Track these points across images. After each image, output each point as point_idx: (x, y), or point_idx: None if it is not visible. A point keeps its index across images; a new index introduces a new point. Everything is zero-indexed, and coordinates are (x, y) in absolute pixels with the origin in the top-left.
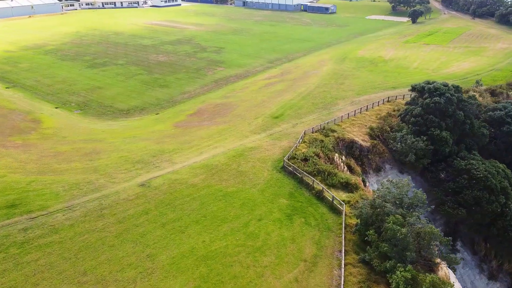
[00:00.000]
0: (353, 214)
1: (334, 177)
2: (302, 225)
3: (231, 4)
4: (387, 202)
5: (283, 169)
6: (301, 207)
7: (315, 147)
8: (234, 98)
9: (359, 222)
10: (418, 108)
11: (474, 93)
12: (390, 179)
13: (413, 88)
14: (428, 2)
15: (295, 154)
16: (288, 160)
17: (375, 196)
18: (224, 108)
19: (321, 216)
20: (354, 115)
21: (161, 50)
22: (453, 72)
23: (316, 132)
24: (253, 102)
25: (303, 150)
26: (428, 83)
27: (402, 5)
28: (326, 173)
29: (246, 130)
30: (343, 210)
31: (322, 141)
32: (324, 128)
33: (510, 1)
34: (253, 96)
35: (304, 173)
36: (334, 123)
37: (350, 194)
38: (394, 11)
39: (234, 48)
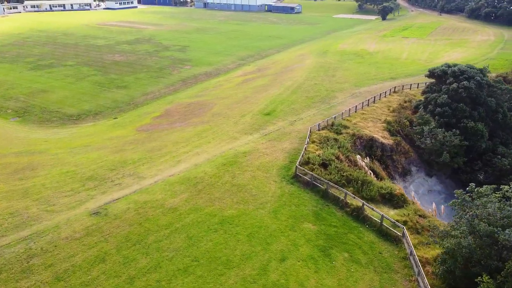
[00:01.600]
0: (426, 243)
1: (372, 187)
2: (348, 264)
3: (191, 6)
4: (494, 226)
5: (296, 178)
6: (338, 235)
7: (331, 148)
8: (208, 97)
9: (447, 258)
10: (443, 96)
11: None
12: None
13: (432, 73)
14: (394, 1)
15: (308, 158)
16: (301, 165)
17: (468, 215)
18: (199, 107)
19: (371, 248)
20: (362, 108)
21: (117, 49)
22: (453, 60)
23: (323, 129)
24: (233, 99)
25: (317, 152)
26: (449, 66)
27: (368, 3)
28: (359, 181)
29: (233, 130)
30: (403, 237)
31: (336, 139)
32: (333, 124)
33: None
34: (232, 93)
35: (329, 182)
36: (342, 118)
37: (401, 211)
38: (361, 9)
39: (200, 46)
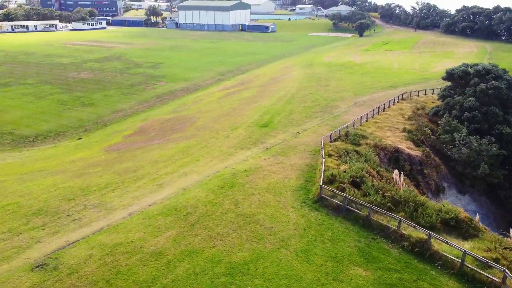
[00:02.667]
0: None
1: (429, 211)
2: None
3: (162, 26)
4: None
5: (321, 202)
6: (404, 283)
7: (357, 161)
8: (189, 111)
9: None
10: (470, 99)
11: None
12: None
13: (450, 75)
14: (370, 18)
15: (332, 175)
16: (325, 185)
17: None
18: (179, 122)
19: None
20: (373, 116)
21: (83, 67)
22: (443, 70)
23: (336, 140)
24: (218, 112)
25: (341, 167)
26: (467, 65)
27: (343, 21)
28: (411, 203)
29: (226, 145)
30: (504, 283)
31: (358, 152)
32: (347, 134)
33: (453, 12)
34: (216, 106)
35: (372, 207)
36: (354, 128)
37: (477, 243)
38: (336, 28)
39: (174, 63)
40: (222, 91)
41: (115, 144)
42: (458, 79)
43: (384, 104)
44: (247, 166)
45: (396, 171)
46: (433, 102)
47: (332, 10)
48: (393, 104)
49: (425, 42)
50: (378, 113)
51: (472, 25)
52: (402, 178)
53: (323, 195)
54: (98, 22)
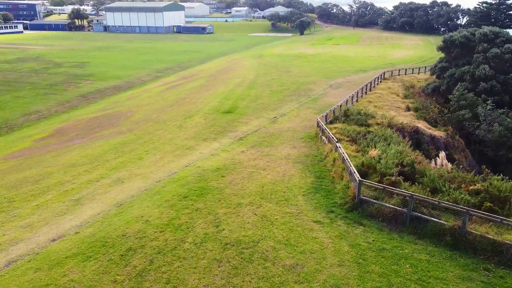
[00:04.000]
0: None
1: None
2: None
3: (89, 30)
4: None
5: (360, 209)
6: None
7: (388, 146)
8: (123, 107)
9: None
10: (483, 66)
11: None
12: None
13: (449, 42)
14: (309, 17)
15: (362, 165)
16: (362, 179)
17: None
18: (109, 118)
19: None
20: (362, 96)
21: None
22: (403, 57)
23: (334, 122)
24: (161, 104)
25: (371, 153)
26: (470, 32)
27: (282, 21)
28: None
29: (181, 137)
30: None
31: (370, 132)
32: (347, 114)
33: (390, 9)
34: (158, 99)
35: (469, 210)
36: (348, 108)
37: None
38: (275, 28)
39: (103, 62)
40: (163, 86)
41: (20, 150)
42: (460, 46)
43: (370, 83)
44: (220, 162)
45: (442, 153)
46: (419, 81)
47: (270, 11)
48: (378, 84)
49: (368, 37)
50: (367, 92)
51: (411, 21)
52: (449, 164)
53: (363, 197)
54: (13, 25)
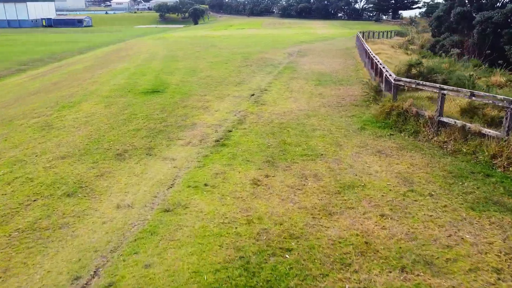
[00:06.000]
0: None
1: None
2: None
3: None
4: None
5: None
6: None
7: None
8: None
9: None
10: None
11: None
12: None
13: None
14: (197, 8)
15: None
16: None
17: None
18: None
19: None
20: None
21: None
22: (331, 34)
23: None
24: (22, 93)
25: None
26: None
27: (171, 12)
28: None
29: (44, 155)
30: None
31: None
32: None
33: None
34: (19, 89)
35: None
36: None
37: None
38: (164, 20)
39: None
40: (30, 77)
41: None
42: None
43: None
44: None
45: None
46: (400, 47)
47: (156, 1)
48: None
49: (270, 23)
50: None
51: (309, 6)
52: None
53: None
54: None
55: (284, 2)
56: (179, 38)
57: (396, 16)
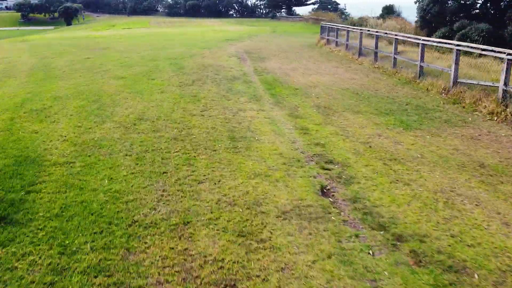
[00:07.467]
0: None
1: None
2: None
3: None
4: None
5: None
6: None
7: None
8: None
9: None
10: None
11: None
12: None
13: None
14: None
15: None
16: None
17: None
18: None
19: None
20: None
21: None
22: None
23: None
24: None
25: None
26: None
27: (37, 12)
28: None
29: None
30: None
31: None
32: None
33: None
34: None
35: None
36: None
37: None
38: (27, 21)
39: None
40: None
41: None
42: None
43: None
44: None
45: None
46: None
47: (17, 0)
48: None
49: (159, 22)
50: None
51: (198, 4)
52: None
53: None
54: None
55: (170, 0)
56: (53, 40)
57: (290, 13)
